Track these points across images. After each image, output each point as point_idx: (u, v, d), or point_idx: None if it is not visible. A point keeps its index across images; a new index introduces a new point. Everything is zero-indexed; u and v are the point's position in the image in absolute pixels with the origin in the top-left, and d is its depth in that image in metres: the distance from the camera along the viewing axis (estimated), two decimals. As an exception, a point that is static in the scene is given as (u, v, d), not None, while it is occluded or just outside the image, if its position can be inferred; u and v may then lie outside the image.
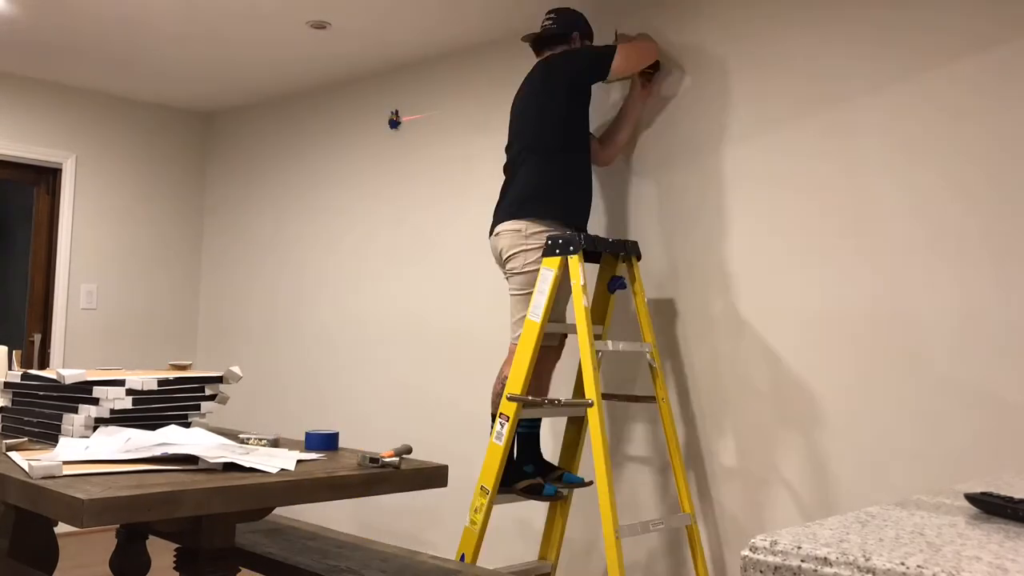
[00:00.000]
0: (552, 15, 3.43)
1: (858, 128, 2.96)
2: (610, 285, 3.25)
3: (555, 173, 3.24)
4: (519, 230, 3.20)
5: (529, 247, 3.18)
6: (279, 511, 4.33)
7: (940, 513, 1.10)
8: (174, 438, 2.26)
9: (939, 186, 2.78)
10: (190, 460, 2.05)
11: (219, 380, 2.55)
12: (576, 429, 3.35)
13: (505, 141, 4.01)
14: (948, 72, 2.79)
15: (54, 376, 2.33)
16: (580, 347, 2.94)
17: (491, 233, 3.31)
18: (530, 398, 3.00)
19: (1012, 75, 2.67)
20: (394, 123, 4.22)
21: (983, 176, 2.71)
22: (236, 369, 2.53)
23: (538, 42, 3.43)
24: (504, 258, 3.26)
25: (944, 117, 2.79)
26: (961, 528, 1.01)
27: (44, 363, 5.08)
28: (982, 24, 2.73)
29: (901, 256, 2.85)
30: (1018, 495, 1.25)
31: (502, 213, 3.28)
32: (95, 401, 2.29)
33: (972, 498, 1.12)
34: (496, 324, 3.97)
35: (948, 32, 2.79)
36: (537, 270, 3.14)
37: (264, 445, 2.38)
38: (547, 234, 3.13)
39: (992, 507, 1.09)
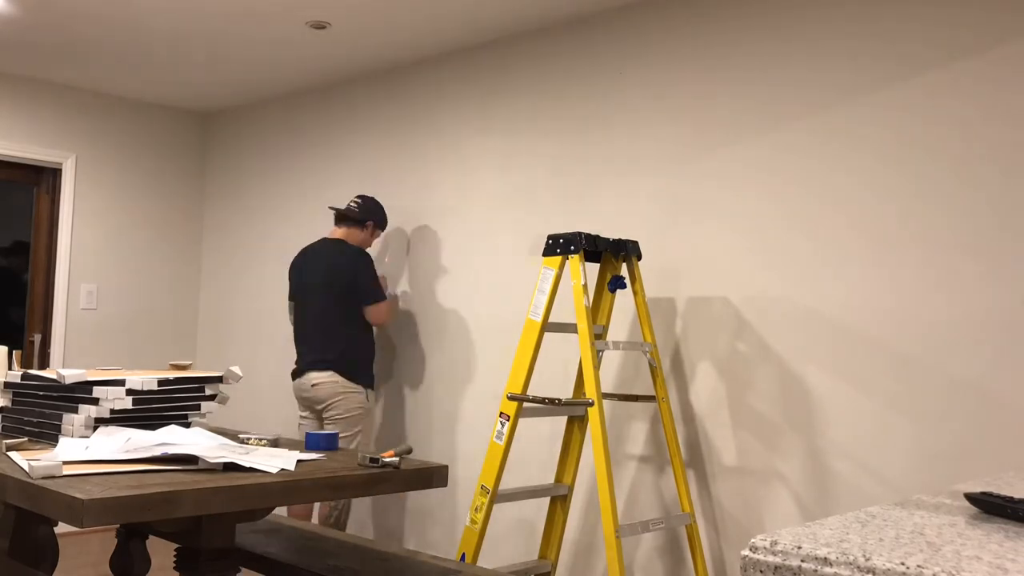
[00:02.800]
0: (359, 200, 4.15)
1: (857, 130, 2.96)
2: (610, 284, 3.25)
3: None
4: (336, 381, 3.91)
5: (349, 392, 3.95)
6: (279, 511, 4.33)
7: (940, 513, 1.10)
8: (174, 438, 2.26)
9: (939, 187, 2.78)
10: (190, 460, 2.05)
11: (219, 380, 2.55)
12: (577, 429, 3.35)
13: (503, 142, 4.02)
14: (942, 76, 2.79)
15: (54, 376, 2.33)
16: (581, 346, 2.94)
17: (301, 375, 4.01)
18: (531, 397, 3.00)
19: (1000, 81, 2.67)
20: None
21: (981, 177, 2.71)
22: (236, 369, 2.52)
23: (340, 217, 4.12)
24: (327, 403, 3.91)
25: (936, 123, 2.79)
26: (961, 528, 1.01)
27: (44, 363, 5.08)
28: (978, 28, 2.73)
29: (900, 256, 2.85)
30: (1018, 495, 1.25)
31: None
32: (95, 401, 2.29)
33: (972, 498, 1.12)
34: (494, 321, 3.97)
35: (948, 35, 2.79)
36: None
37: (264, 445, 2.38)
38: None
39: (992, 507, 1.09)
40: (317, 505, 4.02)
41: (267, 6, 3.78)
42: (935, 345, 2.76)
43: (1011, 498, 1.08)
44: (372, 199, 4.16)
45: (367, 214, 4.10)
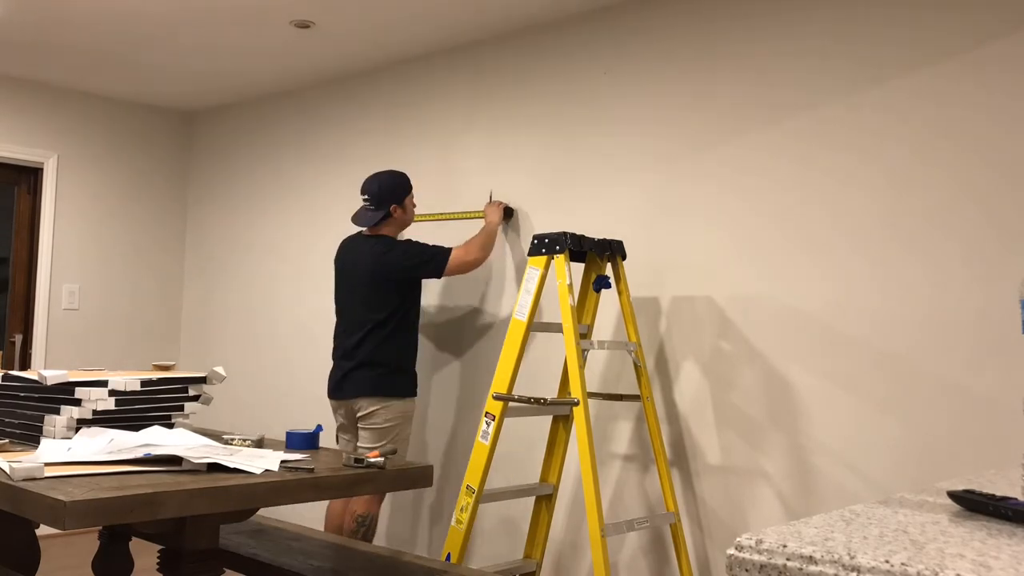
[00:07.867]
0: (366, 196, 3.65)
1: (840, 130, 2.98)
2: (595, 284, 3.26)
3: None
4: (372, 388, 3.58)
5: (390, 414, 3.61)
6: (263, 512, 4.31)
7: (923, 511, 1.10)
8: (157, 439, 2.24)
9: (922, 185, 2.80)
10: (174, 461, 2.04)
11: (203, 381, 2.54)
12: (562, 428, 3.35)
13: (488, 142, 4.01)
14: (924, 76, 2.80)
15: (36, 377, 2.31)
16: (566, 346, 2.94)
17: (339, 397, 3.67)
18: (516, 396, 3.00)
19: (983, 81, 2.69)
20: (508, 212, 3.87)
21: (966, 175, 2.73)
22: (220, 369, 2.51)
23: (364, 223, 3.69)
24: (361, 414, 3.58)
25: (919, 122, 2.81)
26: (944, 526, 1.01)
27: (26, 364, 5.04)
28: (959, 29, 2.75)
29: (883, 255, 2.86)
30: (1000, 492, 1.26)
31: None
32: (77, 402, 2.27)
33: (955, 496, 1.12)
34: (479, 321, 3.97)
35: (929, 36, 2.81)
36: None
37: (248, 446, 2.37)
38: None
39: (974, 505, 1.09)
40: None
41: (251, 5, 3.76)
42: (918, 344, 2.78)
43: (993, 495, 1.09)
44: (377, 181, 3.65)
45: (383, 203, 3.62)
